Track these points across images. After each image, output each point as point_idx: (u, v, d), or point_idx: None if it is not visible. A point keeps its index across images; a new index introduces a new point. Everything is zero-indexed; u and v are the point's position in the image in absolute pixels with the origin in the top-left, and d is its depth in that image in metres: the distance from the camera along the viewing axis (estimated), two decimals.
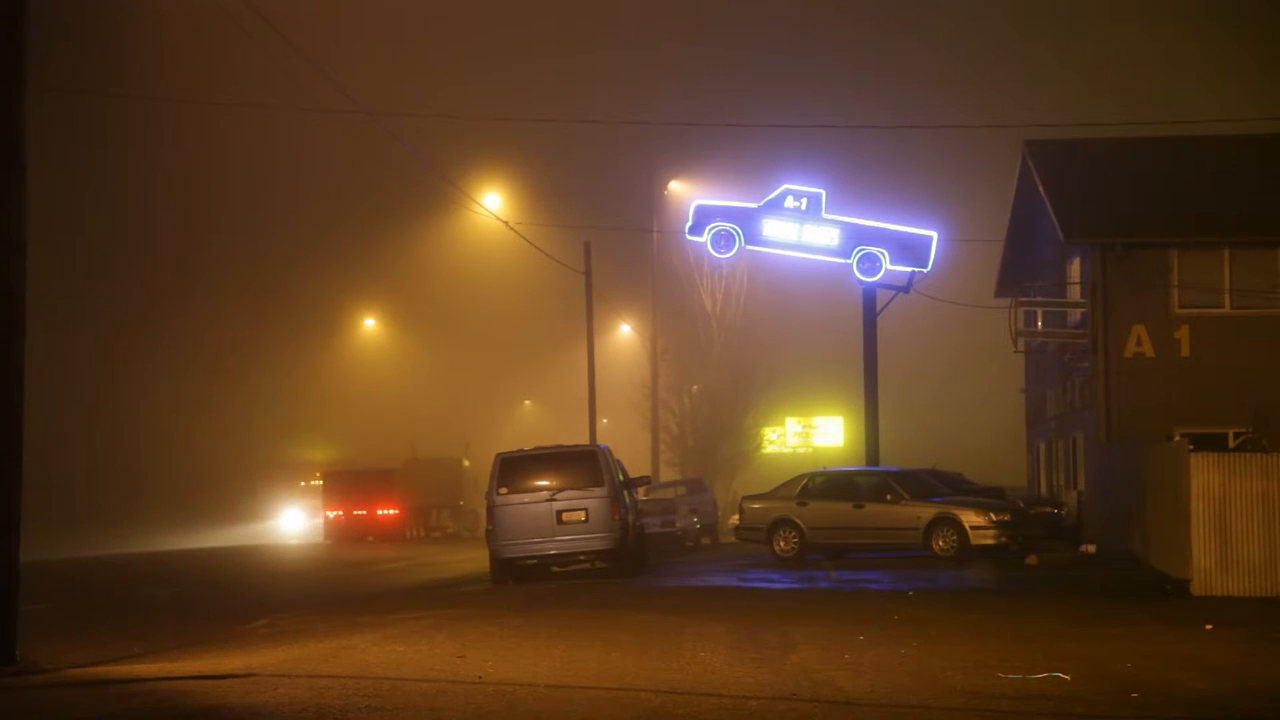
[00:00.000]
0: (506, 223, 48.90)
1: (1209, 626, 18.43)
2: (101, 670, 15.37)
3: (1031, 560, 29.72)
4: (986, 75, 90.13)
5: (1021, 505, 33.97)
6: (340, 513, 56.64)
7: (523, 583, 27.30)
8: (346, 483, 57.42)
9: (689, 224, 36.71)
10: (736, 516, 35.58)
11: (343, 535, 56.00)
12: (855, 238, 35.72)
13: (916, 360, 66.26)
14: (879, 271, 35.75)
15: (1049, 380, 40.42)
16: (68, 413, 66.96)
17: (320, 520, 59.08)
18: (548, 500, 27.75)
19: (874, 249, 35.58)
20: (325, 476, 60.29)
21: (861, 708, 12.46)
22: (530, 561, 28.03)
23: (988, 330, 47.19)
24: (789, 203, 35.81)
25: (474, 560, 34.21)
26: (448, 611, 20.89)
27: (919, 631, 17.47)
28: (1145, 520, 27.03)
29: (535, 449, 29.58)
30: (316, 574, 36.75)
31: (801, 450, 69.97)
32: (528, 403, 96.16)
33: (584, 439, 45.34)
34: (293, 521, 68.12)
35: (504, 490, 27.95)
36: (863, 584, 25.62)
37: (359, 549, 49.84)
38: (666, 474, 58.62)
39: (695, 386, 65.08)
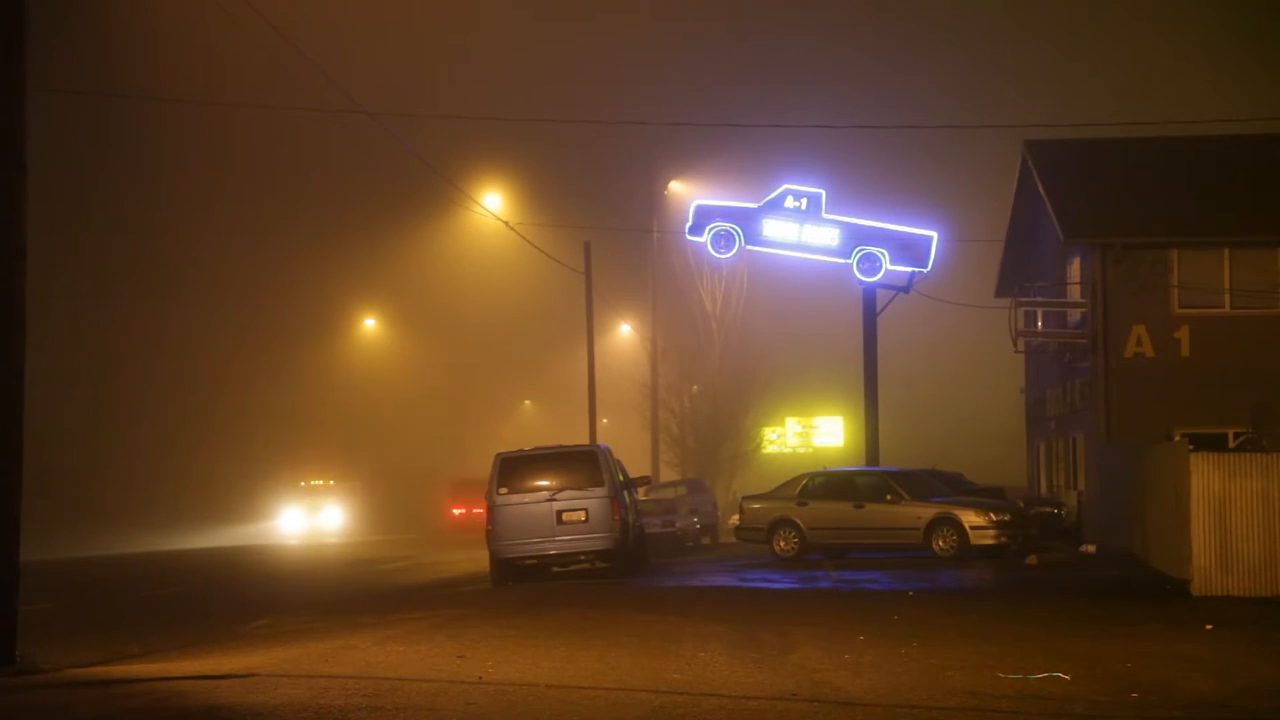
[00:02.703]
0: (507, 223, 48.93)
1: (1209, 626, 18.42)
2: (101, 670, 15.37)
3: (1031, 560, 29.71)
4: (987, 75, 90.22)
5: (1021, 505, 33.96)
6: (464, 510, 63.40)
7: (523, 583, 27.28)
8: (467, 487, 63.57)
9: (689, 224, 36.72)
10: (736, 516, 35.58)
11: (466, 527, 61.30)
12: (855, 238, 35.72)
13: (917, 360, 66.30)
14: (879, 271, 35.75)
15: (1049, 380, 40.40)
16: (68, 412, 66.93)
17: (443, 517, 66.24)
18: (548, 500, 27.73)
19: (874, 249, 35.58)
20: (451, 482, 66.29)
21: (861, 708, 12.45)
22: (530, 562, 28.01)
23: (988, 330, 47.26)
24: (789, 203, 35.82)
25: (474, 560, 34.21)
26: (448, 611, 20.89)
27: (919, 631, 17.46)
28: (1145, 520, 27.01)
29: (535, 449, 29.55)
30: (316, 574, 36.76)
31: (801, 450, 69.92)
32: (528, 403, 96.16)
33: (584, 439, 45.33)
34: (291, 521, 68.15)
35: (504, 490, 27.94)
36: (863, 584, 25.61)
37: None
38: (666, 474, 58.59)
39: (695, 386, 65.06)
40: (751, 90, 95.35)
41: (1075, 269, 36.67)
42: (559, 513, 27.69)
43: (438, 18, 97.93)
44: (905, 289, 36.62)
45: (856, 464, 40.77)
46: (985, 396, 62.28)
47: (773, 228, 35.97)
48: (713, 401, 64.78)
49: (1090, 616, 19.62)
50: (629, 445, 55.99)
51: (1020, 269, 41.54)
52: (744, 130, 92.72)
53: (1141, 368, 34.46)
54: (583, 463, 28.40)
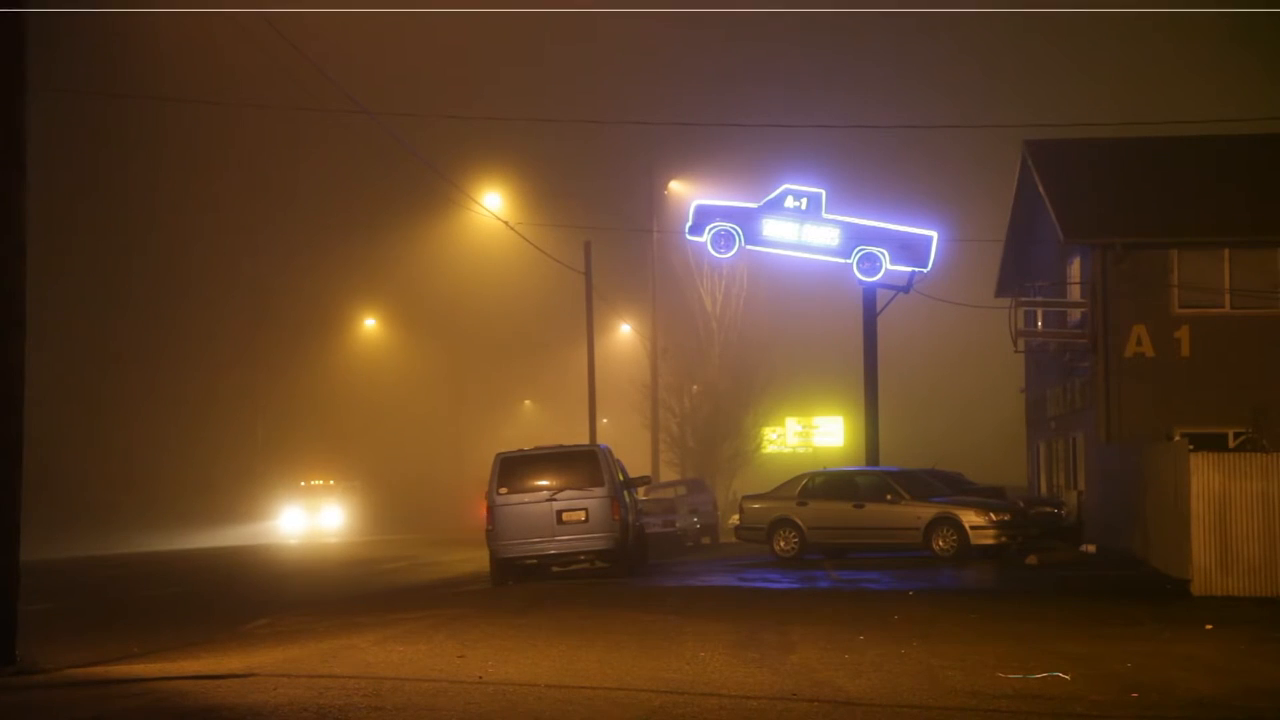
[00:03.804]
0: (507, 223, 48.92)
1: (1209, 626, 18.43)
2: (101, 670, 15.37)
3: (1031, 560, 29.70)
4: (987, 75, 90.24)
5: (1021, 505, 33.96)
6: None
7: (523, 583, 27.29)
8: None
9: (689, 224, 36.71)
10: (736, 516, 35.58)
11: None
12: (855, 238, 35.71)
13: (916, 360, 66.29)
14: (879, 271, 35.74)
15: (1049, 380, 40.40)
16: (68, 412, 66.92)
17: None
18: (548, 500, 27.73)
19: (874, 249, 35.57)
20: (481, 481, 65.40)
21: (861, 707, 12.45)
22: (530, 561, 28.01)
23: (988, 330, 47.28)
24: (789, 203, 35.81)
25: (474, 560, 34.21)
26: (448, 611, 20.89)
27: (919, 631, 17.46)
28: (1145, 520, 27.03)
29: (535, 449, 29.55)
30: (316, 574, 36.74)
31: (801, 450, 69.91)
32: (528, 403, 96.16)
33: (584, 439, 45.32)
34: (292, 521, 68.16)
35: (504, 490, 27.94)
36: (863, 584, 25.62)
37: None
38: (666, 474, 58.60)
39: (695, 386, 65.08)
40: (751, 90, 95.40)
41: (1075, 269, 36.68)
42: (559, 512, 27.69)
43: (438, 17, 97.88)
44: (905, 289, 36.61)
45: (856, 464, 40.76)
46: (985, 396, 62.29)
47: (773, 228, 35.96)
48: (713, 401, 64.80)
49: (1090, 616, 19.63)
50: (629, 445, 56.00)
51: (1020, 269, 41.55)
52: (744, 130, 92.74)
53: (1141, 368, 34.47)
54: (583, 463, 28.40)
